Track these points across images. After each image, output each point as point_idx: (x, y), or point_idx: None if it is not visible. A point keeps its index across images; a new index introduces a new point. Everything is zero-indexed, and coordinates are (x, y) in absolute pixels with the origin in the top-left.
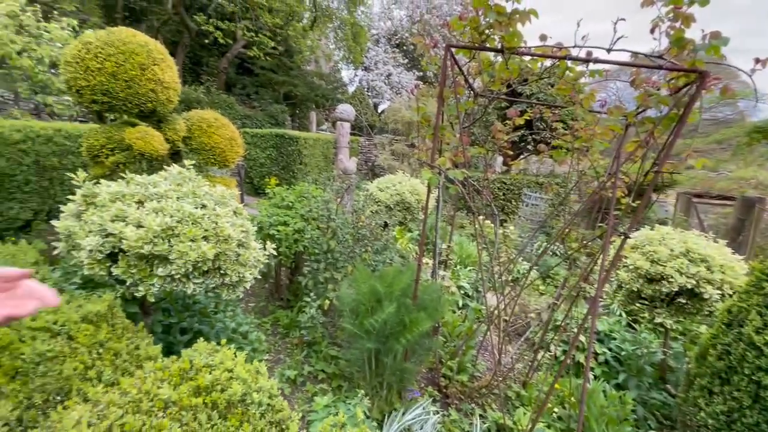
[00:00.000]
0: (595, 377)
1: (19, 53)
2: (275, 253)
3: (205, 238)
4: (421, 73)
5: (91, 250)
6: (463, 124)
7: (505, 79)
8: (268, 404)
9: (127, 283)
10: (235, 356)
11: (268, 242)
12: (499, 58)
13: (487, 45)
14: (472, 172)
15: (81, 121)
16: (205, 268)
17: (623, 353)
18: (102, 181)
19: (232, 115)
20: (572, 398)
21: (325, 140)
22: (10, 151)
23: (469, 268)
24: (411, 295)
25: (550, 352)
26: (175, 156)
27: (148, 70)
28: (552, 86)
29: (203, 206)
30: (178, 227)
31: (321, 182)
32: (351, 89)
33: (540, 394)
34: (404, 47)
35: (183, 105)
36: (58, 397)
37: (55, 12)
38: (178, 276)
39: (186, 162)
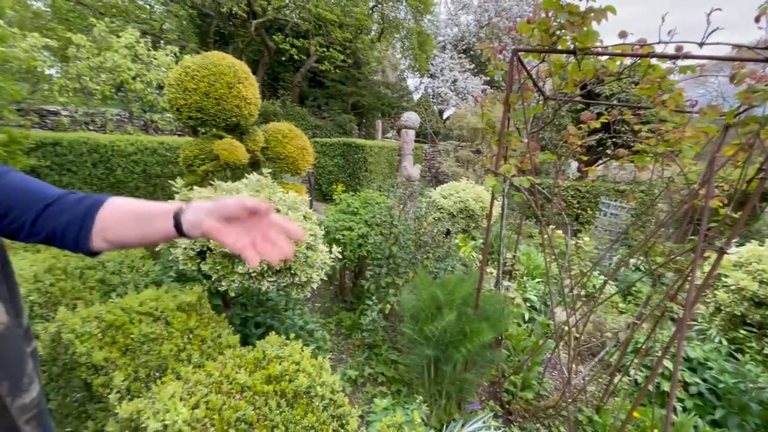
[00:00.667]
0: (685, 410)
1: (133, 78)
2: (340, 256)
3: None
4: (488, 78)
5: (185, 248)
6: (531, 130)
7: (578, 81)
8: (331, 399)
9: (213, 278)
10: (302, 351)
11: (334, 246)
12: (572, 59)
13: (558, 47)
14: (541, 179)
15: (178, 135)
16: (278, 268)
17: (721, 386)
18: (195, 187)
19: (304, 126)
20: (655, 430)
21: (389, 148)
22: (125, 161)
23: (537, 280)
24: (472, 304)
25: (629, 376)
26: (254, 165)
27: (234, 88)
28: (636, 84)
29: (277, 211)
30: None
31: (385, 189)
32: (416, 97)
33: (616, 422)
34: (471, 52)
35: (261, 117)
36: (157, 374)
37: (162, 41)
38: (255, 274)
39: (264, 170)
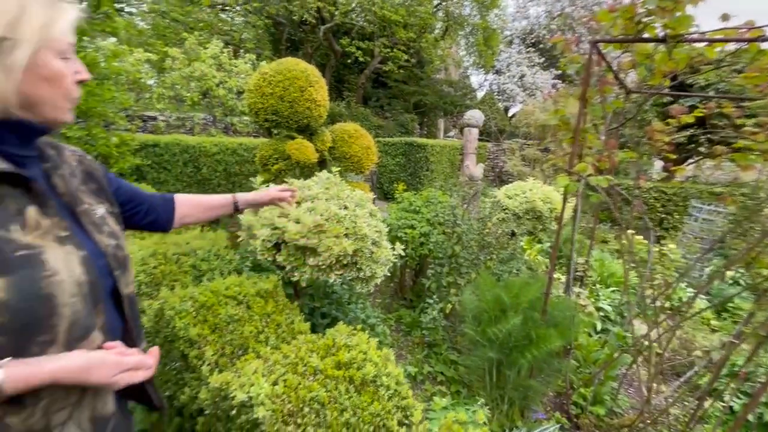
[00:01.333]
0: None
1: (217, 85)
2: (402, 254)
3: (346, 235)
4: (560, 72)
5: (263, 240)
6: (609, 126)
7: (667, 71)
8: (395, 390)
9: (286, 269)
10: (369, 342)
11: (397, 243)
12: (661, 47)
13: (645, 35)
14: (620, 180)
15: (254, 137)
16: (345, 262)
17: None
18: (270, 184)
19: (367, 126)
20: None
21: (451, 147)
22: (210, 161)
23: (611, 288)
24: (539, 309)
25: (722, 402)
26: (322, 164)
27: (306, 91)
28: (739, 73)
29: (345, 207)
30: (326, 224)
31: (447, 188)
32: (480, 94)
33: None
34: (540, 45)
35: (328, 118)
36: (240, 351)
37: (241, 50)
38: (324, 267)
39: (333, 169)
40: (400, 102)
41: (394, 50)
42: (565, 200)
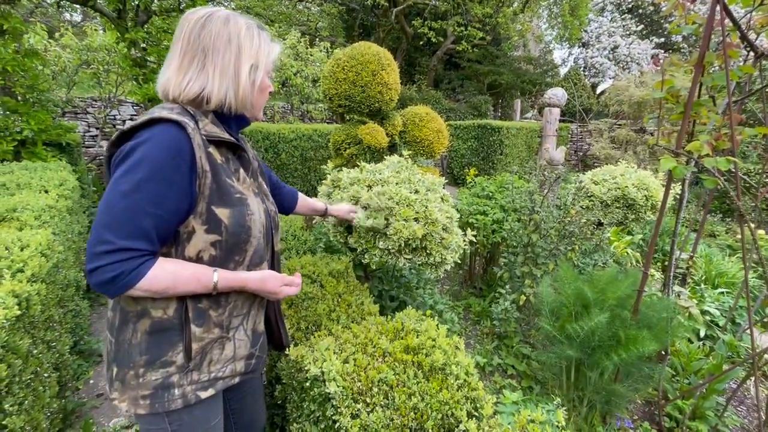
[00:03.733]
0: None
1: (295, 74)
2: (474, 240)
3: (416, 219)
4: (661, 40)
5: (335, 224)
6: (732, 98)
7: None
8: (465, 380)
9: (357, 251)
10: (438, 328)
11: (468, 229)
12: None
13: None
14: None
15: (328, 123)
16: (414, 246)
17: None
18: (343, 168)
19: (438, 109)
20: None
21: (529, 129)
22: (288, 147)
23: (720, 289)
24: (630, 307)
25: None
26: (392, 148)
27: (377, 75)
28: None
29: (416, 191)
30: (396, 208)
31: (523, 172)
32: (563, 71)
33: None
34: (639, 11)
35: (399, 102)
36: (314, 327)
37: (316, 39)
38: (393, 250)
39: (404, 152)
40: (474, 83)
41: (469, 28)
42: (668, 186)
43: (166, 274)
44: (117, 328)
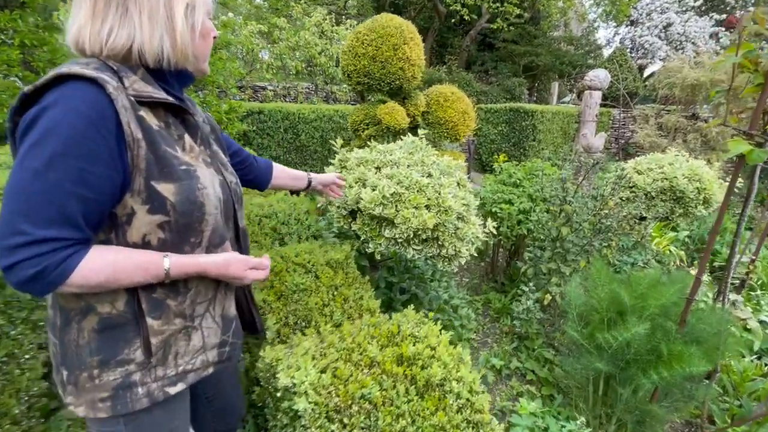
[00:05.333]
0: None
1: (319, 53)
2: (494, 232)
3: (428, 206)
4: (722, 17)
5: (338, 207)
6: None
7: None
8: (467, 399)
9: (361, 239)
10: (440, 334)
11: (489, 219)
12: None
13: None
14: None
15: (352, 104)
16: (424, 237)
17: None
18: (355, 148)
19: (469, 92)
20: None
21: (566, 113)
22: (308, 128)
23: None
24: (675, 318)
25: None
26: (414, 130)
27: (399, 49)
28: None
29: (429, 175)
30: (405, 193)
31: (557, 158)
32: (608, 52)
33: None
34: None
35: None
36: (303, 323)
37: (343, 17)
38: (401, 240)
39: (420, 131)
40: (508, 65)
41: (505, 4)
42: (736, 174)
43: (103, 265)
44: (60, 328)
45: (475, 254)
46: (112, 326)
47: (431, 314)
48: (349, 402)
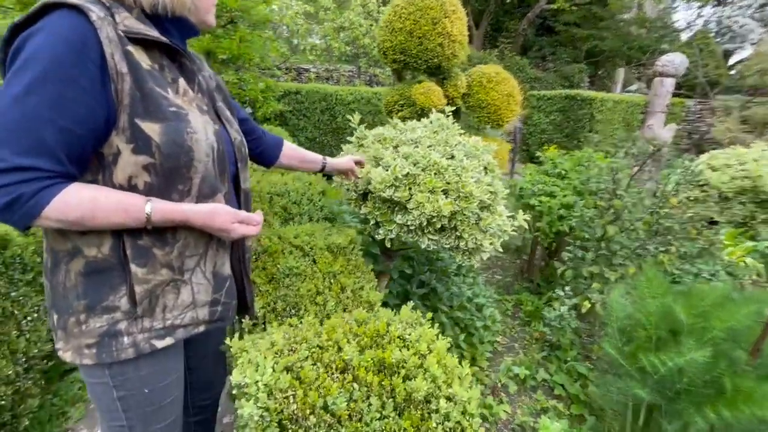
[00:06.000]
0: None
1: (363, 34)
2: (525, 225)
3: (445, 192)
4: None
5: (347, 189)
6: None
7: None
8: (457, 423)
9: (370, 224)
10: (437, 340)
11: (520, 212)
12: None
13: None
14: None
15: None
16: (439, 225)
17: None
18: (378, 127)
19: (522, 78)
20: None
21: (630, 102)
22: (345, 110)
23: None
24: (747, 345)
25: None
26: (455, 114)
27: (438, 23)
28: None
29: (452, 157)
30: (421, 175)
31: (610, 144)
32: (687, 36)
33: None
34: None
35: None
36: (291, 311)
37: None
38: (413, 227)
39: (446, 108)
40: (568, 50)
41: None
42: None
43: (81, 200)
44: (50, 270)
45: (500, 250)
46: (98, 270)
47: (447, 312)
48: (307, 412)
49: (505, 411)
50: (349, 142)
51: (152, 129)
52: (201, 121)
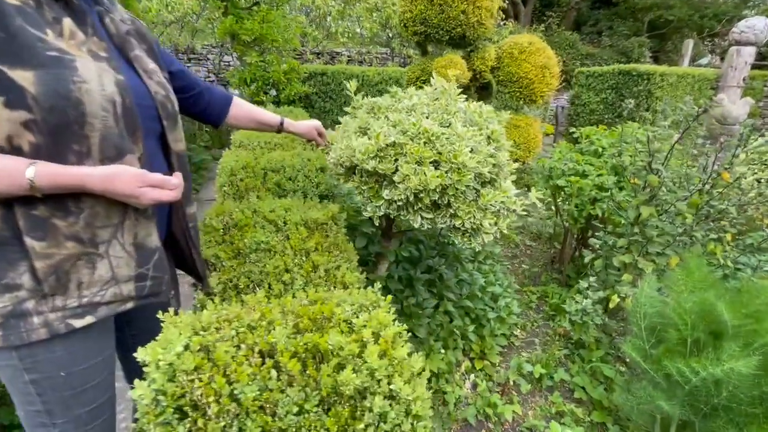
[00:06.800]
0: None
1: (395, 13)
2: (538, 203)
3: (436, 163)
4: None
5: (334, 164)
6: None
7: None
8: (397, 426)
9: (357, 201)
10: (389, 326)
11: (533, 189)
12: None
13: None
14: None
15: None
16: (427, 201)
17: None
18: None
19: (571, 55)
20: None
21: (698, 77)
22: (372, 91)
23: None
24: None
25: None
26: (483, 89)
27: None
28: None
29: (449, 125)
30: (408, 145)
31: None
32: None
33: None
34: None
35: None
36: (255, 288)
37: None
38: (401, 203)
39: (450, 72)
40: (628, 23)
41: None
42: None
43: None
44: None
45: (505, 231)
46: None
47: (455, 301)
48: (209, 399)
49: (514, 412)
50: (346, 113)
51: (24, 77)
52: (94, 68)
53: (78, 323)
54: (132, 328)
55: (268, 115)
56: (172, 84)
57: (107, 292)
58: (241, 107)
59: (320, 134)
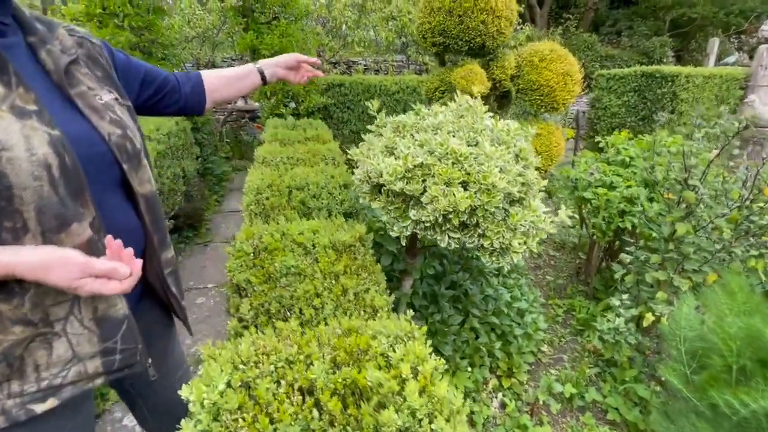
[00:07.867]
0: None
1: (410, 20)
2: (569, 221)
3: (464, 183)
4: None
5: (360, 181)
6: None
7: None
8: None
9: (384, 220)
10: (428, 360)
11: (563, 207)
12: None
13: None
14: None
15: None
16: (456, 222)
17: None
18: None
19: (590, 57)
20: None
21: (725, 77)
22: (390, 100)
23: None
24: None
25: None
26: (503, 98)
27: None
28: None
29: (476, 144)
30: (437, 165)
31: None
32: None
33: None
34: None
35: None
36: (287, 313)
37: None
38: (429, 224)
39: (474, 89)
40: (648, 22)
41: None
42: None
43: None
44: None
45: (534, 250)
46: None
47: (480, 317)
48: None
49: None
50: (371, 131)
51: None
52: (17, 129)
53: (39, 408)
54: (146, 402)
55: (240, 69)
56: (144, 94)
57: (69, 371)
58: (212, 83)
59: (303, 63)
